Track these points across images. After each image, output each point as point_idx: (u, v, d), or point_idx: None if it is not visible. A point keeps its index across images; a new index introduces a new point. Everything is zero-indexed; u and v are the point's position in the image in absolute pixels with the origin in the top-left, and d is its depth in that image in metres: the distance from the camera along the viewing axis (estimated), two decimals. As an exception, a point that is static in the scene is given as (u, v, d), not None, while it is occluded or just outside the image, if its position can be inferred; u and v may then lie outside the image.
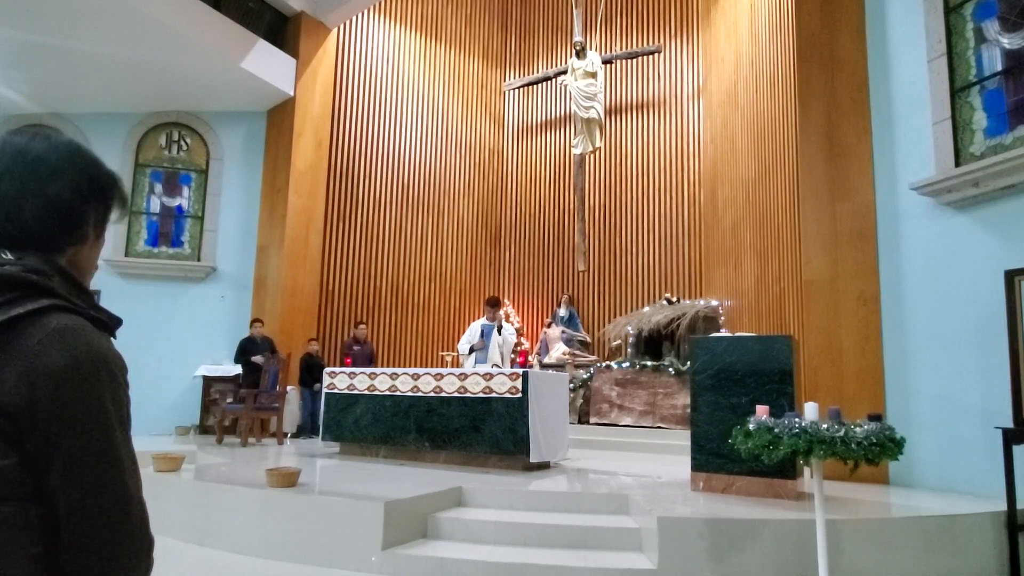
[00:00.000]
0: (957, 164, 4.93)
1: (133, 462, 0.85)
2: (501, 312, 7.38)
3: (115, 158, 9.15)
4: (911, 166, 5.26)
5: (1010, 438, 4.03)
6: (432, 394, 6.00)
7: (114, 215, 0.99)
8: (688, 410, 5.62)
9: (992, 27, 4.91)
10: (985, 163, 4.62)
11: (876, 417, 3.15)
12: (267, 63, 8.83)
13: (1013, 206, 4.62)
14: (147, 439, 7.47)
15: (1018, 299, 4.22)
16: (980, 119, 4.91)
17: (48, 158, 0.89)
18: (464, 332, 7.46)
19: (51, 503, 0.78)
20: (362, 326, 9.44)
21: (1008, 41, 4.80)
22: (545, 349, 11.35)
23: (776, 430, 3.15)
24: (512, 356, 7.28)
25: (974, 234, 4.85)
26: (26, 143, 0.89)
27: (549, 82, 12.50)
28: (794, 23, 6.44)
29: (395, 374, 6.32)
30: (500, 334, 6.93)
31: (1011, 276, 4.28)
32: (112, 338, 0.89)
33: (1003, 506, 3.92)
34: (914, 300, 5.17)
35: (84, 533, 0.78)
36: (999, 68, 4.83)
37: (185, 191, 9.60)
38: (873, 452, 2.96)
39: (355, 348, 9.12)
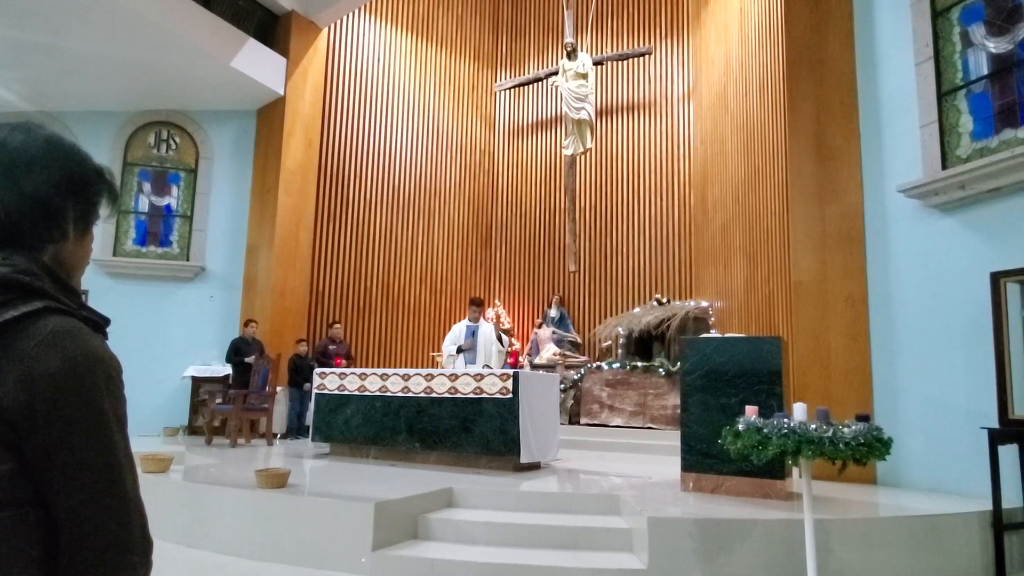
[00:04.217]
0: (944, 167, 4.97)
1: (131, 464, 0.84)
2: (490, 312, 7.41)
3: (104, 157, 9.07)
4: (899, 169, 5.30)
5: (996, 438, 4.07)
6: (423, 395, 5.99)
7: (103, 211, 0.97)
8: (678, 410, 5.64)
9: (978, 31, 4.97)
10: (971, 166, 4.67)
11: (864, 417, 3.18)
12: (257, 62, 8.79)
13: (999, 208, 4.67)
14: (135, 440, 7.38)
15: (1004, 301, 4.27)
16: (966, 122, 4.97)
17: (25, 152, 0.87)
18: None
19: (51, 507, 0.78)
20: (337, 325, 9.38)
21: (994, 45, 4.85)
22: (536, 350, 11.36)
23: (765, 430, 3.17)
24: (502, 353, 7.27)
25: (961, 236, 4.90)
26: (4, 137, 0.87)
27: (540, 83, 12.53)
28: (783, 26, 6.48)
29: (385, 375, 6.30)
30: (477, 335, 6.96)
31: (997, 278, 4.33)
32: (104, 338, 0.89)
33: (989, 505, 3.96)
34: (901, 301, 5.22)
35: (85, 536, 0.78)
36: (985, 72, 4.88)
37: (174, 190, 9.53)
38: (861, 452, 2.98)
39: (331, 348, 9.07)
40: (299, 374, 8.62)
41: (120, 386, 0.86)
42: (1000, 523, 3.90)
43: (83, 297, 0.91)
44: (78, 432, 0.78)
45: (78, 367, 0.79)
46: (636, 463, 6.67)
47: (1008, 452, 4.13)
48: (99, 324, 0.89)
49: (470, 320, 7.12)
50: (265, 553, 4.08)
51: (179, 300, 9.18)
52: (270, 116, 9.39)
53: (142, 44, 7.75)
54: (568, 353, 11.16)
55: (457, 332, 7.13)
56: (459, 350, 6.96)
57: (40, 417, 0.76)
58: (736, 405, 4.31)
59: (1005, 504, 3.95)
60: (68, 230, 0.91)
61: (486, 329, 7.06)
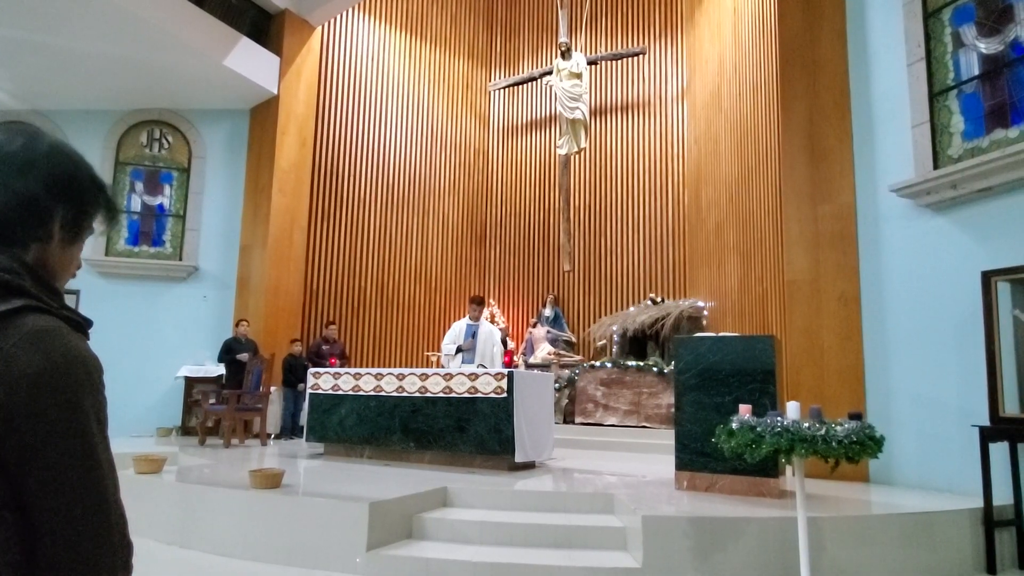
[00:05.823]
0: (935, 167, 5.01)
1: (111, 466, 0.83)
2: (486, 311, 7.37)
3: (95, 156, 9.03)
4: (891, 168, 5.33)
5: (986, 436, 4.11)
6: (417, 394, 5.99)
7: (97, 224, 0.95)
8: (672, 409, 5.66)
9: (969, 32, 5.00)
10: (962, 166, 4.70)
11: (856, 416, 3.19)
12: (250, 61, 8.76)
13: (989, 208, 4.70)
14: (128, 440, 7.38)
15: (994, 299, 4.30)
16: (958, 122, 5.00)
17: (24, 153, 0.86)
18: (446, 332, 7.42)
19: (29, 509, 0.76)
20: (332, 326, 9.34)
21: (985, 46, 4.89)
22: (530, 349, 11.36)
23: (759, 429, 3.19)
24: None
25: (952, 235, 4.93)
26: (5, 140, 0.87)
27: (534, 82, 12.52)
28: (776, 26, 6.51)
29: (380, 374, 6.29)
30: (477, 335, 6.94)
31: (987, 277, 4.36)
32: (86, 338, 0.87)
33: (980, 502, 4.00)
34: (893, 300, 5.25)
35: (64, 539, 0.76)
36: (976, 72, 4.92)
37: (167, 189, 9.49)
38: (853, 450, 3.00)
39: (324, 348, 9.05)
40: (293, 374, 8.60)
41: (101, 387, 0.84)
42: (991, 520, 3.93)
43: (74, 300, 0.90)
44: (58, 433, 0.76)
45: (58, 367, 0.78)
46: (630, 462, 6.68)
47: (999, 449, 4.16)
48: (80, 324, 0.87)
49: (470, 319, 7.09)
50: (259, 554, 4.07)
51: (172, 300, 9.14)
52: (263, 115, 9.35)
53: (134, 42, 7.71)
54: (563, 352, 11.17)
55: (457, 331, 7.09)
56: (459, 349, 6.94)
57: (19, 417, 0.75)
58: (730, 404, 4.33)
59: (996, 501, 3.98)
60: (54, 231, 0.89)
61: (486, 328, 7.03)
